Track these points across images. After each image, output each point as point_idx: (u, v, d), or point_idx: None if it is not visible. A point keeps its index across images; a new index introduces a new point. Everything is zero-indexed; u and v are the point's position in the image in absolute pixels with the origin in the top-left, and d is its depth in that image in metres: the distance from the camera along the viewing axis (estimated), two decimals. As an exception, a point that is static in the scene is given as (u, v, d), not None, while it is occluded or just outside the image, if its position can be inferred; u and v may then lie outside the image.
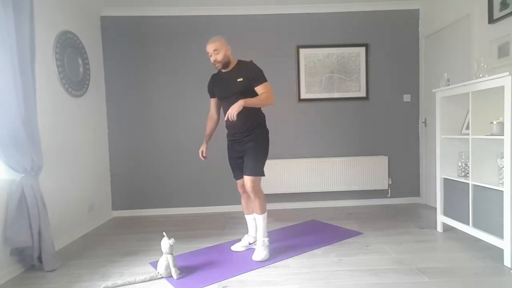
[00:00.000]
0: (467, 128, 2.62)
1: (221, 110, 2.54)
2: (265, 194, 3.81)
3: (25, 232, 2.22)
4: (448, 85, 2.76)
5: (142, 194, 3.90)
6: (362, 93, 3.93)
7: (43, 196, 2.37)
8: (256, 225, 2.50)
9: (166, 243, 2.13)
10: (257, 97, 2.30)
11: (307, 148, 3.95)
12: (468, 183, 2.48)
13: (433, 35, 3.67)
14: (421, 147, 3.96)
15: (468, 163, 2.61)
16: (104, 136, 3.80)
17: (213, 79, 2.51)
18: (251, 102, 2.25)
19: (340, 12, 3.88)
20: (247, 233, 2.66)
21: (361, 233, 2.88)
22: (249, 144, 2.37)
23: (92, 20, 3.62)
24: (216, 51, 2.29)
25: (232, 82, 2.32)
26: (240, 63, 2.39)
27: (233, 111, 2.17)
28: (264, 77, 2.33)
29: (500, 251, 2.27)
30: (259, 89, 2.31)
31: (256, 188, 2.36)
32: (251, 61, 2.38)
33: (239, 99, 2.22)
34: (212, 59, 2.32)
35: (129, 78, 3.84)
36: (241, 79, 2.30)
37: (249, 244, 2.60)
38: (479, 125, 2.41)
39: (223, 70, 2.39)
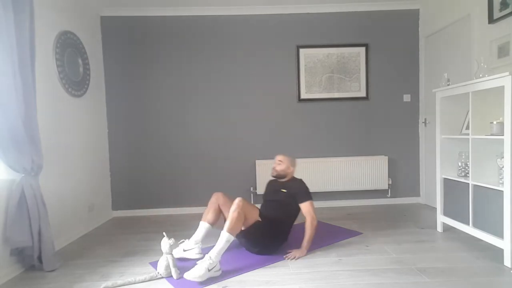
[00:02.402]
0: (467, 128, 2.61)
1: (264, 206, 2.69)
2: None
3: (25, 232, 2.22)
4: (448, 85, 2.76)
5: (142, 194, 3.90)
6: (362, 93, 3.93)
7: (43, 196, 2.37)
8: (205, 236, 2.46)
9: (166, 243, 2.13)
10: (306, 234, 2.47)
11: (307, 148, 3.95)
12: (468, 183, 2.48)
13: (433, 35, 3.67)
14: (421, 147, 3.96)
15: (468, 163, 2.61)
16: (104, 136, 3.80)
17: (269, 183, 2.83)
18: (307, 244, 2.46)
19: (340, 12, 3.88)
20: (188, 239, 2.52)
21: (361, 233, 2.88)
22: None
23: (92, 20, 3.62)
24: (280, 162, 2.67)
25: (278, 190, 2.63)
26: (292, 179, 2.70)
27: (297, 255, 2.40)
28: (309, 196, 2.54)
29: (500, 251, 2.27)
30: (302, 206, 2.52)
31: (241, 207, 2.25)
32: (301, 179, 2.66)
33: (277, 205, 2.55)
34: (274, 165, 2.70)
35: (129, 78, 3.84)
36: (285, 191, 2.59)
37: (184, 251, 2.42)
38: (479, 125, 2.41)
39: (278, 180, 2.71)
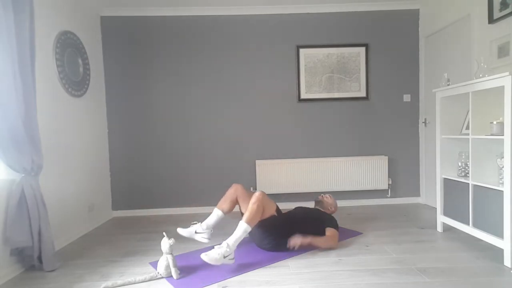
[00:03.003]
0: (467, 128, 2.62)
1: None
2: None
3: (25, 232, 2.22)
4: (448, 85, 2.76)
5: (142, 194, 3.90)
6: (362, 93, 3.93)
7: (43, 196, 2.37)
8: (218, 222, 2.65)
9: (166, 243, 2.13)
10: (319, 239, 2.47)
11: (307, 148, 3.95)
12: (468, 183, 2.48)
13: (433, 35, 3.67)
14: (421, 147, 3.96)
15: (468, 163, 2.61)
16: (104, 136, 3.80)
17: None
18: (311, 241, 2.43)
19: (340, 12, 3.88)
20: (200, 222, 2.64)
21: (361, 233, 2.88)
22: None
23: (92, 20, 3.62)
24: (329, 196, 2.98)
25: (315, 209, 2.81)
26: (328, 213, 2.84)
27: (299, 241, 2.39)
28: (336, 225, 2.62)
29: (500, 251, 2.27)
30: (328, 230, 2.57)
31: (261, 200, 2.38)
32: (334, 217, 2.74)
33: (308, 210, 2.74)
34: (322, 195, 2.99)
35: (129, 78, 3.84)
36: (321, 210, 2.80)
37: (196, 232, 2.56)
38: (479, 125, 2.41)
39: (316, 206, 2.95)
